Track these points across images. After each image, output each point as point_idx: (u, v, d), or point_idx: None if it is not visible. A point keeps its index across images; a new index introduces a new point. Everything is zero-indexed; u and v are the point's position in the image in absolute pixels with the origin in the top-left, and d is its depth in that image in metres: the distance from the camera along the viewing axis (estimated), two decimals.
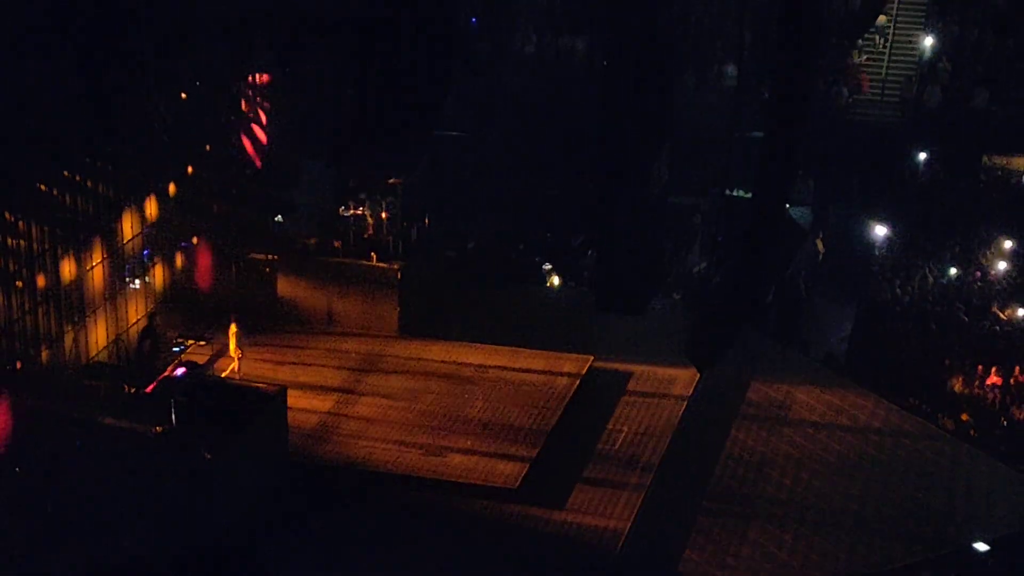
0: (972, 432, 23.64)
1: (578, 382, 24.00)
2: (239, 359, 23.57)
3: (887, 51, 35.38)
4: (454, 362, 24.80)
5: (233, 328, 23.58)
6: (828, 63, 34.46)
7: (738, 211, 23.46)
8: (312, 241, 26.24)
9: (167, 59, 23.63)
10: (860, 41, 34.99)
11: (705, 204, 31.06)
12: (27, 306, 21.71)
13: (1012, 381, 24.50)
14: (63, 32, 20.67)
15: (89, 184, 23.45)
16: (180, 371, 23.09)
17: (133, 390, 22.68)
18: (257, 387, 21.68)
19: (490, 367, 24.59)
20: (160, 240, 26.11)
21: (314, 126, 25.99)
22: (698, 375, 23.83)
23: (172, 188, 26.16)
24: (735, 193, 25.38)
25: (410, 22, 21.42)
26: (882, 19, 35.00)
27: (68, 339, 22.91)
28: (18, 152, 20.44)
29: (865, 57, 35.09)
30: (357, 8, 21.95)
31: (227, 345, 23.81)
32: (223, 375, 23.39)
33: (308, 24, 23.59)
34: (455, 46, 25.72)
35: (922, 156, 32.94)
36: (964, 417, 23.94)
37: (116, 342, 24.15)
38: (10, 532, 18.46)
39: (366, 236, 25.89)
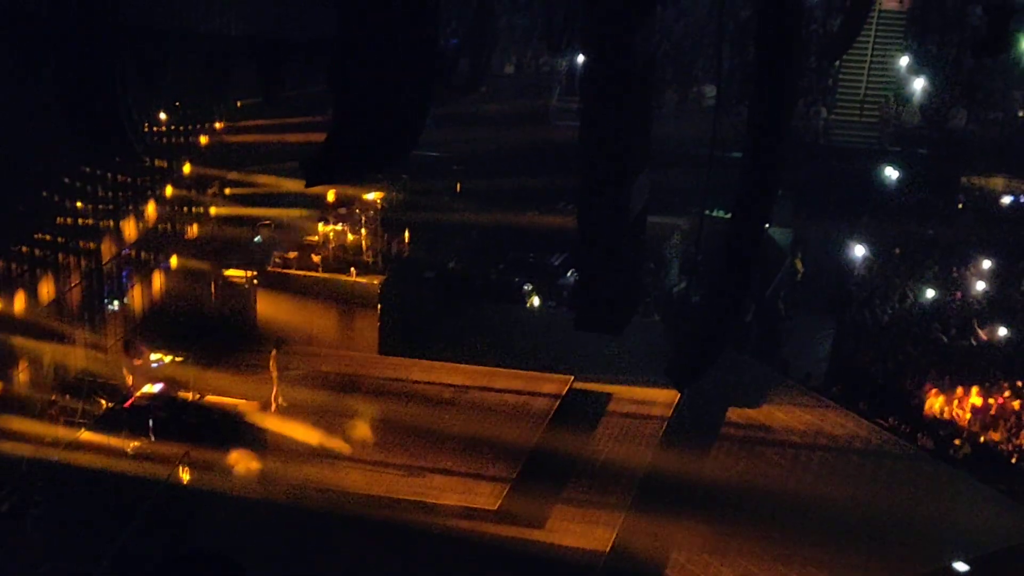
0: (951, 451, 23.69)
1: (558, 403, 23.89)
2: (278, 387, 23.08)
3: (865, 71, 35.62)
4: (433, 382, 24.68)
5: (274, 354, 23.10)
6: (808, 83, 34.66)
7: (718, 231, 23.52)
8: (292, 256, 26.02)
9: (148, 78, 23.53)
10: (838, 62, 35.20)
11: (685, 224, 31.11)
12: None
13: (992, 401, 24.58)
14: (42, 43, 20.51)
15: (68, 204, 23.34)
16: (158, 387, 22.84)
17: (111, 406, 22.48)
18: (235, 405, 21.50)
19: (470, 387, 24.49)
20: (139, 261, 25.95)
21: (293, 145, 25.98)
22: (678, 395, 23.81)
23: (151, 208, 26.05)
24: (714, 213, 25.44)
25: (390, 42, 21.36)
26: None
27: (46, 360, 22.72)
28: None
29: None
30: (337, 28, 21.89)
31: (269, 373, 23.28)
32: (267, 403, 22.93)
33: (290, 46, 23.55)
34: (436, 66, 25.76)
35: (901, 176, 33.10)
36: (955, 441, 23.93)
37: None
38: None
39: (345, 252, 25.74)
